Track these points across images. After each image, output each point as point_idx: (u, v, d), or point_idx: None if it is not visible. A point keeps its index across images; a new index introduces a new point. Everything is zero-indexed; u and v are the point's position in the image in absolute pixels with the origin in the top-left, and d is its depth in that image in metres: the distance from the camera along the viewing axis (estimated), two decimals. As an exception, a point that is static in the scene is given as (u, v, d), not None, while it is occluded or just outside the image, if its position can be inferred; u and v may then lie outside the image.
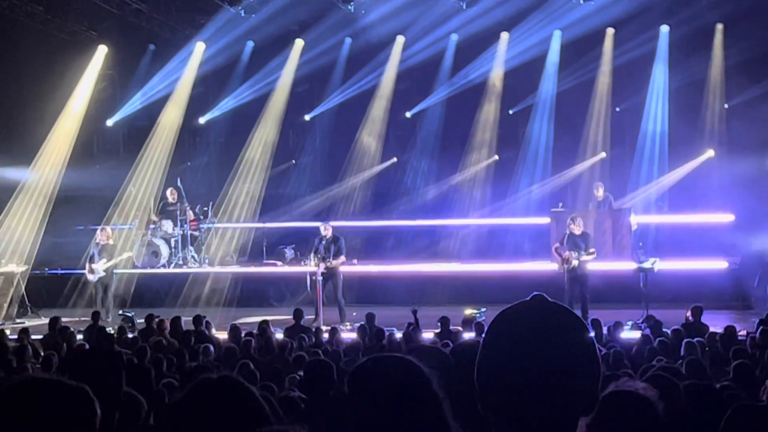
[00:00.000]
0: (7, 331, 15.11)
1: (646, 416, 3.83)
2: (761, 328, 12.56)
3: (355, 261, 20.39)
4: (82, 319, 16.97)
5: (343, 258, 19.19)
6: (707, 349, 11.17)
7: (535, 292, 2.37)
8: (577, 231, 18.08)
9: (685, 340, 11.02)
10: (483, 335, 2.38)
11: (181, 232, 23.34)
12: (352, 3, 24.91)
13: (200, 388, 2.74)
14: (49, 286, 22.85)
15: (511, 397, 2.25)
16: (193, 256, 23.58)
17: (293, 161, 28.11)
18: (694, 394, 4.61)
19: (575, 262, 17.85)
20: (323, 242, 19.02)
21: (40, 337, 14.47)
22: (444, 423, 2.79)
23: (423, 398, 2.82)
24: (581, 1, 24.31)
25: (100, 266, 20.13)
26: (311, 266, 19.03)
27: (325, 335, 14.45)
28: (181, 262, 23.27)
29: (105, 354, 4.84)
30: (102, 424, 3.65)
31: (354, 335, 14.75)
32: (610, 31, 25.31)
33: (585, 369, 2.29)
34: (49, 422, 3.12)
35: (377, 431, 2.77)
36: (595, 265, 18.65)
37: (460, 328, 14.91)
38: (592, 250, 18.19)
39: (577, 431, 2.32)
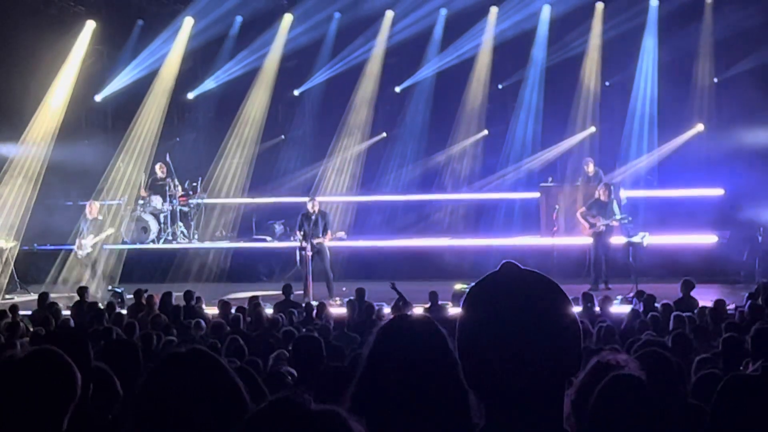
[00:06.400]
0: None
1: (634, 395, 3.84)
2: (750, 301, 12.61)
3: (344, 235, 20.35)
4: (71, 294, 16.94)
5: (333, 233, 19.14)
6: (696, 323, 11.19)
7: (504, 260, 2.37)
8: (604, 198, 18.87)
9: (674, 314, 11.03)
10: (460, 310, 2.38)
11: (171, 208, 23.32)
12: (340, -23, 24.83)
13: (168, 362, 2.74)
14: (38, 261, 22.83)
15: (493, 368, 2.25)
16: (182, 232, 23.58)
17: (282, 136, 28.03)
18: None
19: (602, 228, 18.62)
20: (312, 217, 18.84)
21: (29, 313, 14.49)
22: (461, 386, 2.84)
23: (443, 360, 2.88)
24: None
25: (88, 242, 20.10)
26: (298, 243, 18.91)
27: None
28: (170, 238, 23.28)
29: (72, 332, 4.87)
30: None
31: (343, 310, 14.77)
32: (600, 5, 25.22)
33: (563, 330, 2.29)
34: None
35: (397, 386, 2.83)
36: (584, 239, 18.86)
37: (449, 303, 14.93)
38: (623, 215, 19.02)
39: (563, 409, 2.32)
